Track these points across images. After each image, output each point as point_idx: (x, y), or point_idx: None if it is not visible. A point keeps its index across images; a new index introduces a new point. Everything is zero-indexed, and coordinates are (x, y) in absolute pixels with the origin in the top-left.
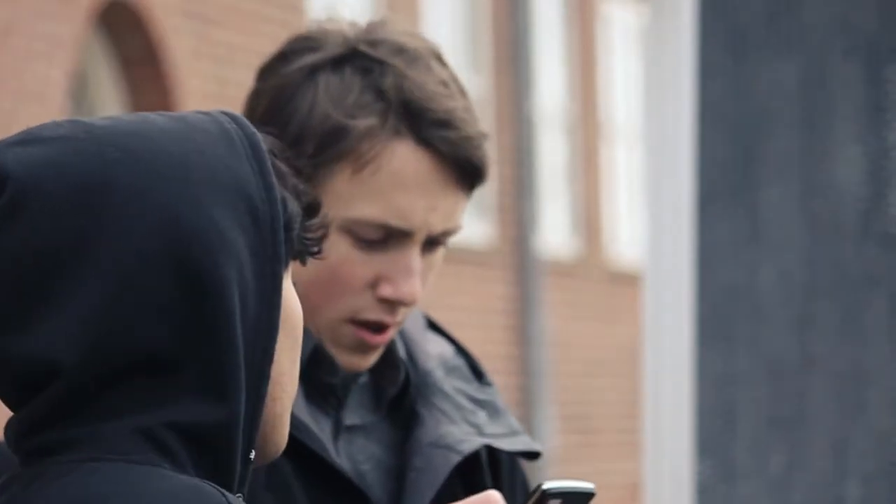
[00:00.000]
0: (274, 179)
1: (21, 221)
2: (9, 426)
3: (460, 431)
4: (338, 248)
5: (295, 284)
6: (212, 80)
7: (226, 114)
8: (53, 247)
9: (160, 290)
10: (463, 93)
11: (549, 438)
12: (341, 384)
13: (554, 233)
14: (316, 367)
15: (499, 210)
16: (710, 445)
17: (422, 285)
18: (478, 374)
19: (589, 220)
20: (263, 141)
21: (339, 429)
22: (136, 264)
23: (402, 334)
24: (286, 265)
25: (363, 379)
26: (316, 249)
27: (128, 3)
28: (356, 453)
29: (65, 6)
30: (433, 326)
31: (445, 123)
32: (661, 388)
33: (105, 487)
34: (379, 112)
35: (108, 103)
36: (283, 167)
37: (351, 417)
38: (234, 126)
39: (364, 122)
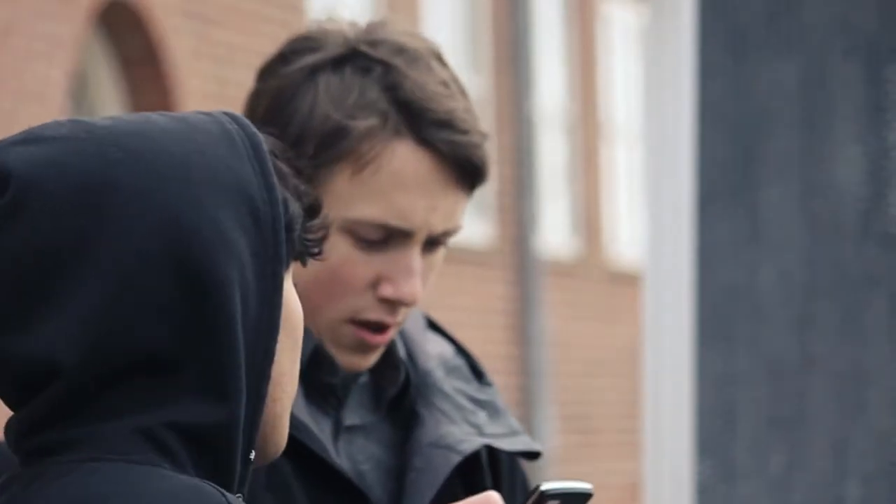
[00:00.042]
0: (275, 180)
1: (22, 221)
2: (9, 426)
3: (460, 431)
4: (338, 248)
5: (295, 285)
6: (212, 80)
7: (227, 114)
8: (54, 246)
9: (161, 290)
10: (463, 93)
11: (549, 438)
12: (341, 384)
13: (554, 233)
14: (316, 367)
15: (499, 210)
16: (710, 445)
17: (422, 285)
18: (478, 374)
19: (589, 220)
20: (264, 142)
21: (338, 429)
22: (137, 264)
23: (403, 334)
24: (287, 266)
25: (363, 379)
26: (316, 250)
27: (128, 3)
28: (356, 453)
29: (65, 6)
30: (433, 326)
31: (446, 124)
32: (661, 388)
33: (105, 487)
34: (379, 112)
35: (108, 103)
36: (284, 168)
37: (351, 417)
38: (236, 126)
39: (364, 123)
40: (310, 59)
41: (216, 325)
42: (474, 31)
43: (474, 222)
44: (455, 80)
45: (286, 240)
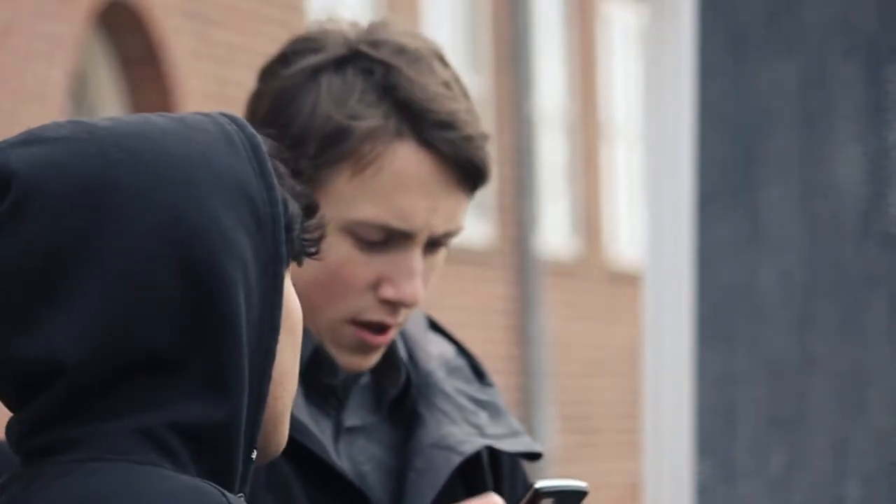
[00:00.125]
0: (275, 180)
1: (25, 222)
2: (10, 426)
3: (461, 432)
4: (339, 248)
5: (295, 285)
6: (212, 80)
7: (225, 115)
8: (56, 247)
9: (164, 290)
10: (465, 94)
11: (549, 438)
12: (342, 385)
13: (554, 233)
14: (316, 368)
15: (499, 210)
16: (710, 445)
17: (423, 286)
18: (479, 374)
19: (589, 220)
20: (263, 142)
21: (339, 430)
22: (140, 265)
23: (404, 335)
24: (287, 265)
25: (364, 380)
26: (313, 250)
27: (128, 3)
28: (357, 454)
29: (65, 6)
30: (435, 327)
31: (447, 125)
32: (661, 388)
33: (105, 487)
34: (381, 113)
35: (108, 103)
36: (282, 168)
37: (351, 418)
38: (235, 127)
39: (366, 124)
40: (311, 60)
41: (220, 325)
42: (474, 31)
43: (474, 222)
44: (457, 80)
45: (286, 240)
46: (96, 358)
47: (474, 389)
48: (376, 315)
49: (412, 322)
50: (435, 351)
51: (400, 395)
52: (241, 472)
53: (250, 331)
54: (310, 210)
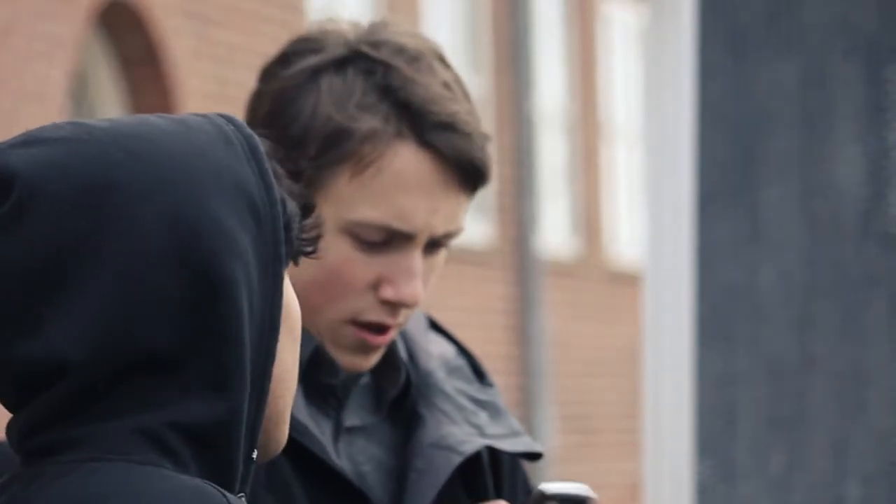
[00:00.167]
0: (273, 180)
1: (27, 223)
2: (10, 426)
3: (462, 432)
4: (339, 249)
5: (295, 285)
6: (212, 80)
7: (222, 116)
8: (58, 248)
9: (166, 290)
10: (465, 94)
11: (549, 438)
12: (342, 385)
13: (554, 233)
14: (316, 368)
15: (499, 210)
16: (710, 445)
17: (423, 287)
18: (479, 374)
19: (589, 220)
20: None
21: (339, 430)
22: (143, 265)
23: (404, 335)
24: (286, 265)
25: (364, 380)
26: (311, 249)
27: (128, 3)
28: (357, 454)
29: (65, 6)
30: (435, 327)
31: (448, 126)
32: (661, 388)
33: (105, 488)
34: (381, 114)
35: (108, 103)
36: (278, 168)
37: (351, 419)
38: (232, 128)
39: (366, 125)
40: (312, 61)
41: (223, 324)
42: (474, 31)
43: (474, 222)
44: (457, 80)
45: (285, 239)
46: (97, 358)
47: (474, 389)
48: (376, 316)
49: (412, 322)
50: (435, 351)
51: (400, 395)
52: (242, 471)
53: (252, 330)
54: (306, 210)
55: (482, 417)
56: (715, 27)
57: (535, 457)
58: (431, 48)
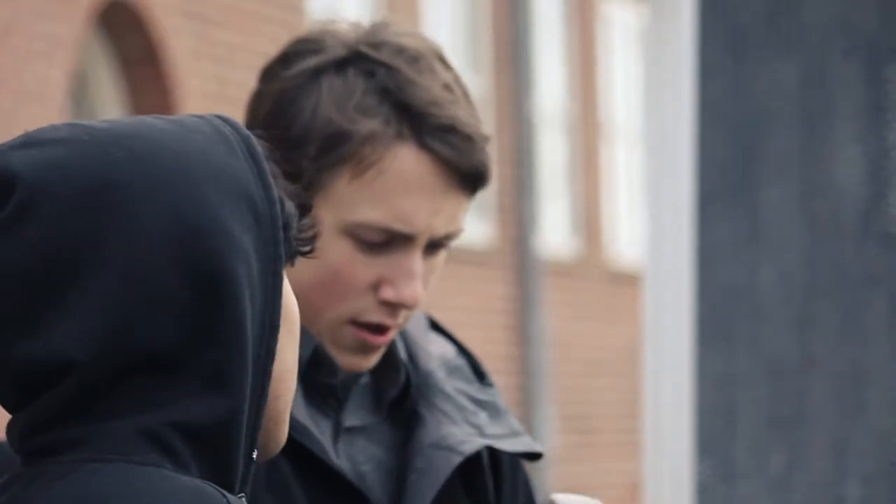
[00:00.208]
0: (272, 180)
1: (29, 224)
2: (11, 426)
3: (461, 432)
4: (339, 250)
5: (295, 286)
6: (212, 80)
7: (219, 117)
8: (59, 248)
9: (166, 290)
10: (466, 95)
11: (549, 438)
12: (341, 385)
13: (554, 233)
14: (316, 368)
15: (499, 210)
16: (710, 445)
17: (424, 288)
18: (479, 374)
19: (589, 220)
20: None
21: (338, 430)
22: (144, 265)
23: (404, 335)
24: (285, 264)
25: (364, 380)
26: (308, 249)
27: (128, 3)
28: (356, 454)
29: (65, 6)
30: (435, 327)
31: (448, 127)
32: (661, 388)
33: (106, 488)
34: (382, 116)
35: (108, 103)
36: (275, 168)
37: (351, 419)
38: (229, 128)
39: (367, 126)
40: (312, 62)
41: (227, 324)
42: (474, 31)
43: (474, 222)
44: (458, 81)
45: (284, 239)
46: (98, 358)
47: (474, 389)
48: (376, 316)
49: (413, 322)
50: (435, 351)
51: (400, 395)
52: (242, 471)
53: (252, 330)
54: (303, 209)
55: (482, 417)
56: (715, 27)
57: (535, 457)
58: (432, 49)
